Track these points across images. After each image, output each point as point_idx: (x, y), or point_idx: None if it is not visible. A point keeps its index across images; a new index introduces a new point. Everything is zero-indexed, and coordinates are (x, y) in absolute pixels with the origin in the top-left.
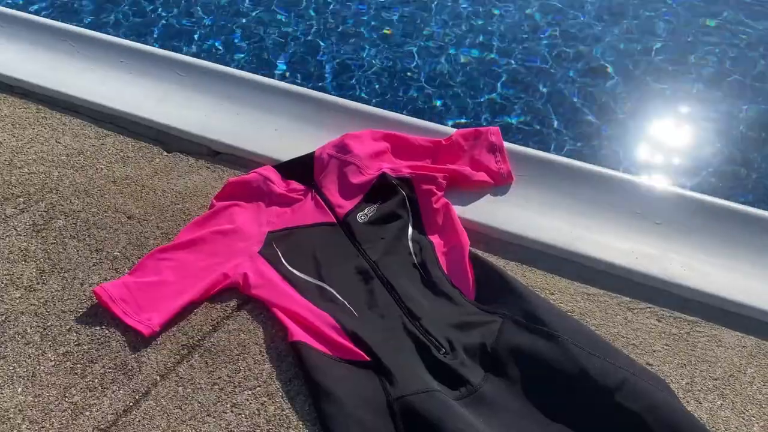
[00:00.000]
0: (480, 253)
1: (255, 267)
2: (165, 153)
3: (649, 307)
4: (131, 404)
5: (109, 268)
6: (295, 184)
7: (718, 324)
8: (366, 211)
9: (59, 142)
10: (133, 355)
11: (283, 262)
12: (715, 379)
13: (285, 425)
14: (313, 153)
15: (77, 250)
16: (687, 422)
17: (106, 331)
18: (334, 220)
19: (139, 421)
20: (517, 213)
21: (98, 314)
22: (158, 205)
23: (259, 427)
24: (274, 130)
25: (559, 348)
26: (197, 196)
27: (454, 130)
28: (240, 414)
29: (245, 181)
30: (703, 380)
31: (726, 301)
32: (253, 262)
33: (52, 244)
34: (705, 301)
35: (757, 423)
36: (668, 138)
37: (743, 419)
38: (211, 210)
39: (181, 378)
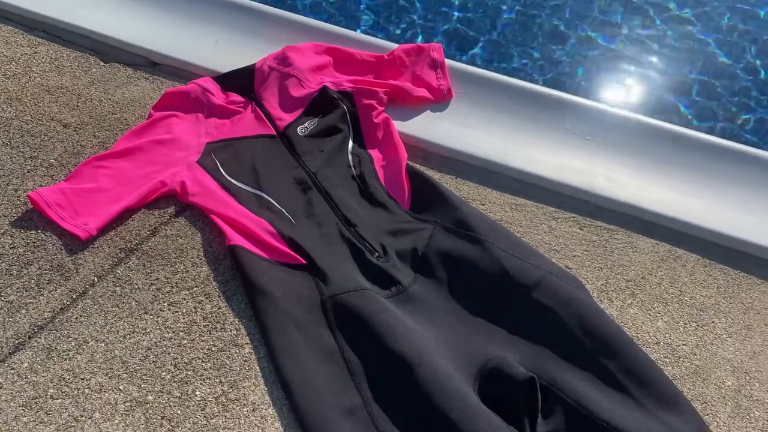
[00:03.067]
0: (417, 166)
1: (193, 175)
2: (102, 63)
3: (573, 217)
4: (68, 303)
5: (45, 175)
6: (235, 96)
7: (635, 232)
8: (306, 124)
9: None
10: (70, 258)
11: (222, 171)
12: (628, 281)
13: (221, 322)
14: (254, 65)
15: (10, 157)
16: (596, 316)
17: (42, 235)
18: (274, 133)
19: (76, 318)
20: (455, 129)
21: (33, 219)
22: (95, 115)
23: (196, 323)
24: (215, 42)
25: (483, 251)
26: (135, 106)
27: (397, 45)
28: (177, 312)
29: (183, 91)
30: (617, 282)
31: (643, 211)
32: (191, 171)
33: None
34: (624, 210)
35: (662, 318)
36: (612, 62)
37: (649, 315)
38: (149, 120)
39: (118, 279)
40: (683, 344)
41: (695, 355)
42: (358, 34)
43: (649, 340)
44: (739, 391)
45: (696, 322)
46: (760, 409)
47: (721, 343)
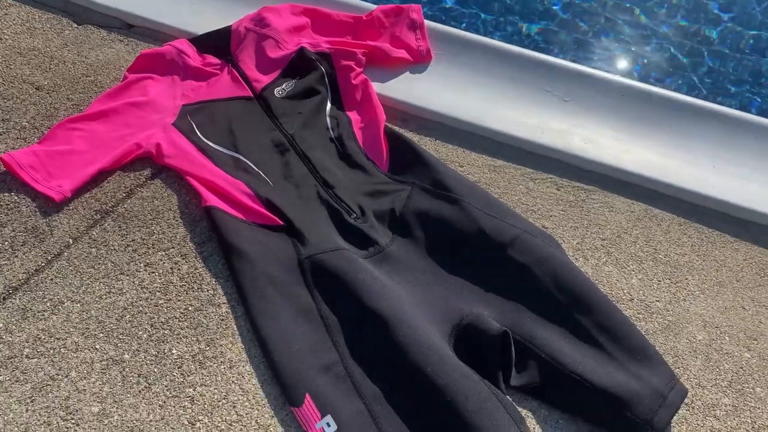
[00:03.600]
0: (396, 128)
1: (168, 138)
2: (75, 25)
3: (550, 178)
4: (43, 264)
5: (17, 138)
6: (211, 58)
7: (611, 192)
8: (284, 86)
9: None
10: (44, 220)
11: (198, 133)
12: (603, 239)
13: (198, 282)
14: (230, 26)
15: None
16: (570, 273)
17: (15, 198)
18: (251, 95)
19: (51, 279)
20: (434, 90)
21: (6, 181)
22: (68, 77)
23: (173, 283)
24: (191, 4)
25: (460, 210)
26: (110, 68)
27: (375, 6)
28: (153, 272)
29: (159, 53)
30: (593, 240)
31: (620, 171)
32: (166, 133)
33: None
34: (601, 171)
35: (636, 276)
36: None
37: (624, 273)
38: (124, 82)
39: (94, 240)
40: (656, 300)
41: (668, 311)
42: None
43: (623, 297)
44: (710, 345)
45: (669, 279)
46: (730, 362)
47: (693, 299)
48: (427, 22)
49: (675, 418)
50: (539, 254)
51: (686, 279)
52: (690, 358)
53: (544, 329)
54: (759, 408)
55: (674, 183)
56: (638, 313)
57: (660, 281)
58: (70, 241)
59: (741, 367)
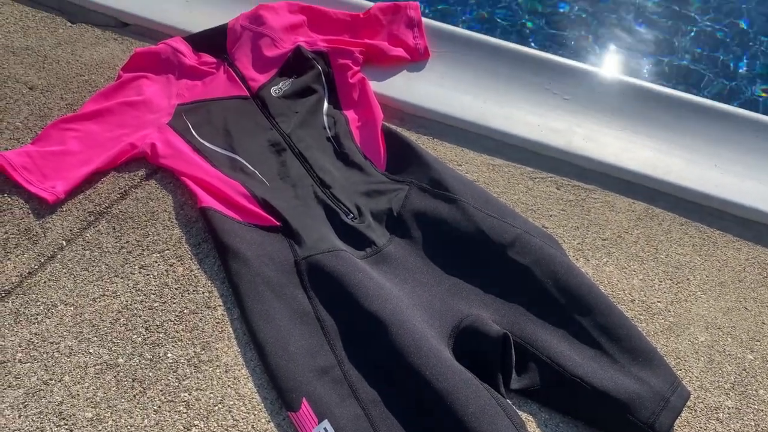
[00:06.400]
0: (393, 127)
1: (164, 137)
2: (69, 24)
3: (551, 177)
4: (36, 267)
5: (10, 138)
6: (207, 57)
7: (612, 191)
8: (280, 85)
9: None
10: (38, 222)
11: (193, 133)
12: (604, 239)
13: (193, 284)
14: (226, 24)
15: None
16: (571, 274)
17: (8, 199)
18: (247, 94)
19: (45, 282)
20: (432, 89)
21: None
22: (62, 76)
23: (168, 286)
24: (186, 2)
25: (459, 210)
26: (104, 68)
27: (373, 4)
28: (148, 275)
29: (154, 52)
30: (593, 240)
31: (621, 170)
32: (161, 133)
33: None
34: (602, 170)
35: (637, 276)
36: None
37: (625, 273)
38: (118, 81)
39: (87, 242)
40: (658, 301)
41: (669, 311)
42: None
43: (625, 298)
44: (712, 347)
45: (671, 280)
46: (732, 364)
47: (695, 299)
48: (424, 20)
49: (677, 421)
50: (539, 255)
51: (688, 279)
52: (692, 359)
53: (545, 331)
54: (763, 411)
55: (675, 182)
56: (639, 314)
57: (661, 282)
58: (64, 243)
59: (744, 369)
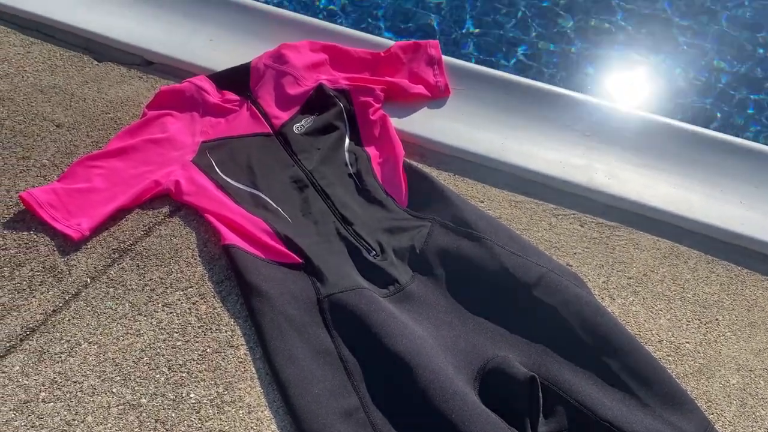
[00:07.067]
0: (415, 164)
1: (187, 175)
2: (95, 62)
3: (573, 214)
4: (61, 305)
5: (37, 176)
6: (230, 95)
7: (636, 229)
8: (302, 122)
9: None
10: (63, 259)
11: (217, 170)
12: (630, 278)
13: (216, 323)
14: (249, 63)
15: (2, 158)
16: (597, 314)
17: (34, 236)
18: (270, 131)
19: (69, 320)
20: (453, 126)
21: (26, 220)
22: (88, 114)
23: (191, 324)
24: (209, 41)
25: (482, 248)
26: (129, 105)
27: (394, 42)
28: (171, 313)
29: (178, 90)
30: (618, 279)
31: (644, 207)
32: (185, 170)
33: None
34: (625, 207)
35: (664, 316)
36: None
37: (652, 313)
38: (143, 119)
39: (111, 280)
40: (686, 342)
41: (699, 353)
42: (354, 32)
43: (652, 338)
44: (745, 390)
45: (699, 320)
46: (766, 408)
47: (725, 340)
48: (445, 58)
49: None
50: (566, 295)
51: (716, 319)
52: (724, 403)
53: (572, 373)
54: None
55: (701, 219)
56: (668, 356)
57: (689, 322)
58: (88, 280)
59: None
